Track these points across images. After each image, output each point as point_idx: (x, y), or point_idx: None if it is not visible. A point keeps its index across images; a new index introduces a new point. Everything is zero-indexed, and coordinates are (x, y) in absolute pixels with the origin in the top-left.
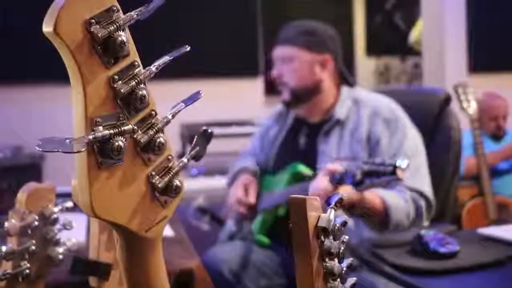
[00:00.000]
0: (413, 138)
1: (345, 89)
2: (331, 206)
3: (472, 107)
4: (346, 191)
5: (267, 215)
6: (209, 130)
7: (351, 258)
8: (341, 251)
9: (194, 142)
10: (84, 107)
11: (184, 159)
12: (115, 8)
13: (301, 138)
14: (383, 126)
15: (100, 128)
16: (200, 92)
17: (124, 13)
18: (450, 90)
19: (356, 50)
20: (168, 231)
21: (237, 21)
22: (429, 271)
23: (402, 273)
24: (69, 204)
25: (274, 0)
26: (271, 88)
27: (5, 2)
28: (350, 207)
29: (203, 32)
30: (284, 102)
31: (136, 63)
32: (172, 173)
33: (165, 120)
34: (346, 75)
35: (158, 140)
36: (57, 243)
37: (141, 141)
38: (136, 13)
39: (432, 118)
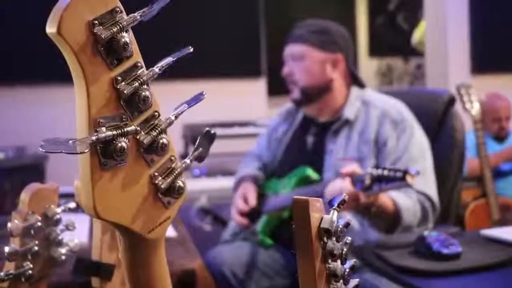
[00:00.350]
0: (420, 141)
1: (354, 90)
2: (334, 207)
3: (475, 108)
4: (361, 194)
5: (272, 216)
6: (212, 131)
7: (354, 259)
8: (344, 252)
9: (197, 143)
10: (87, 108)
11: (187, 160)
12: (118, 9)
13: (309, 137)
14: (391, 128)
15: (103, 129)
16: (203, 93)
17: (127, 14)
18: (453, 91)
19: (359, 51)
20: (170, 232)
21: (240, 21)
22: (432, 272)
23: (404, 274)
24: (72, 204)
25: (277, 1)
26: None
27: (8, 2)
28: (364, 209)
29: (205, 33)
30: (294, 101)
31: (139, 64)
32: (175, 174)
33: (168, 121)
34: (357, 75)
35: (161, 141)
36: (59, 243)
37: (144, 142)
38: (139, 14)
39: (436, 119)
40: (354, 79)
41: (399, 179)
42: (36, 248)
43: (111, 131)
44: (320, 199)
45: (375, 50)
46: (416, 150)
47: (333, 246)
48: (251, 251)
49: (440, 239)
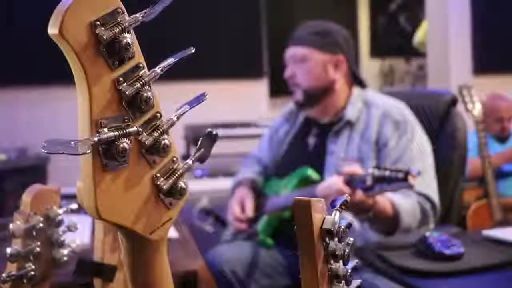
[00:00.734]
0: (421, 141)
1: (356, 90)
2: (336, 208)
3: (477, 109)
4: (359, 195)
5: (273, 217)
6: (214, 132)
7: (356, 260)
8: (346, 253)
9: (199, 144)
10: (89, 109)
11: (189, 161)
12: (120, 10)
13: (310, 138)
14: (392, 128)
15: (105, 130)
16: (205, 94)
17: (129, 15)
18: (454, 91)
19: (361, 52)
20: (172, 233)
21: (242, 22)
22: (434, 273)
23: (406, 275)
24: (74, 206)
25: (278, 2)
26: (276, 89)
27: (10, 3)
28: (361, 211)
29: (207, 34)
30: (296, 103)
31: (141, 65)
32: (177, 175)
33: (170, 122)
34: (358, 75)
35: (163, 142)
36: (61, 245)
37: (146, 143)
38: (141, 15)
39: (438, 119)
40: (355, 79)
41: (401, 179)
42: (38, 249)
43: (113, 132)
44: (322, 200)
45: (377, 50)
46: (417, 151)
47: (335, 247)
48: (251, 251)
49: (442, 239)
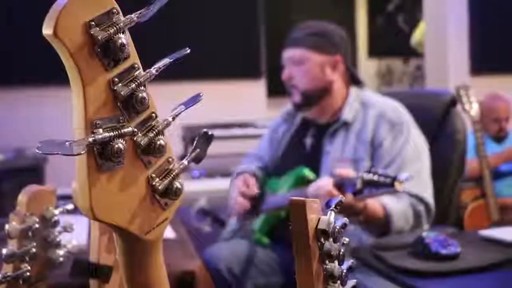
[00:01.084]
0: (416, 142)
1: (353, 91)
2: (331, 208)
3: (474, 109)
4: (349, 198)
5: (269, 216)
6: (210, 132)
7: (351, 260)
8: (341, 253)
9: (194, 144)
10: (84, 109)
11: (185, 161)
12: (115, 10)
13: (307, 138)
14: (388, 129)
15: (100, 130)
16: (201, 94)
17: (124, 15)
18: (452, 91)
19: (359, 52)
20: (169, 233)
21: (240, 22)
22: (431, 273)
23: (403, 274)
24: (70, 206)
25: (276, 2)
26: (274, 90)
27: (8, 4)
28: (352, 214)
29: (205, 34)
30: (294, 105)
31: (136, 65)
32: (172, 175)
33: (165, 122)
34: (356, 75)
35: (158, 142)
36: (57, 245)
37: (141, 143)
38: (136, 15)
39: (437, 120)
40: (353, 79)
41: (388, 185)
42: (34, 250)
43: (108, 132)
44: (318, 200)
45: (375, 51)
46: (412, 152)
47: (330, 247)
48: (248, 249)
49: (438, 239)
